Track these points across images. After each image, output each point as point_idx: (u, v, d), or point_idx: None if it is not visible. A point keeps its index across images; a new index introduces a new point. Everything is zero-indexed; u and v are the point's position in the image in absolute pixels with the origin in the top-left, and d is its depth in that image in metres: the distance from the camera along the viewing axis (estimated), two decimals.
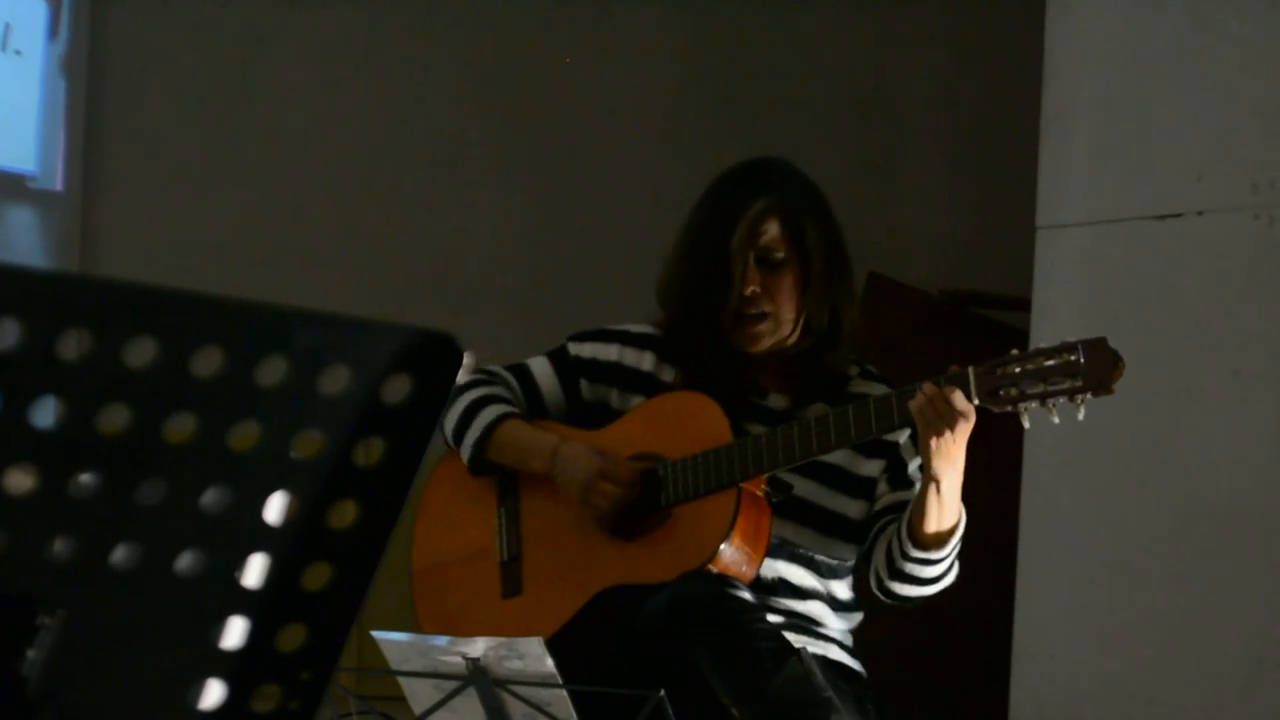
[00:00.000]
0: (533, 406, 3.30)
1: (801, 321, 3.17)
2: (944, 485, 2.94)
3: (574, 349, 3.31)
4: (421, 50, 5.75)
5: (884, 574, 3.09)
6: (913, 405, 2.91)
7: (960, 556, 3.08)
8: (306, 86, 5.62)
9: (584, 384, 3.28)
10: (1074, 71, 4.30)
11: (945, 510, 2.96)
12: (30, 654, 1.19)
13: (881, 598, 3.14)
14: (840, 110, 6.19)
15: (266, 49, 5.58)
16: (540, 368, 3.31)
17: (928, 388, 2.90)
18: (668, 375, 3.24)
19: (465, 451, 3.25)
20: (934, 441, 2.89)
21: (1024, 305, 4.41)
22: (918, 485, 3.03)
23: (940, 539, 3.00)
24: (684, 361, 3.23)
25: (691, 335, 3.20)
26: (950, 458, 2.91)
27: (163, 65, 5.47)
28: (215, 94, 5.52)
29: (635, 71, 5.99)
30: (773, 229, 3.17)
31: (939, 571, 3.06)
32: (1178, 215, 4.08)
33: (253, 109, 5.56)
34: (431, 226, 5.74)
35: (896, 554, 3.05)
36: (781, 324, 3.16)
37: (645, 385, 3.24)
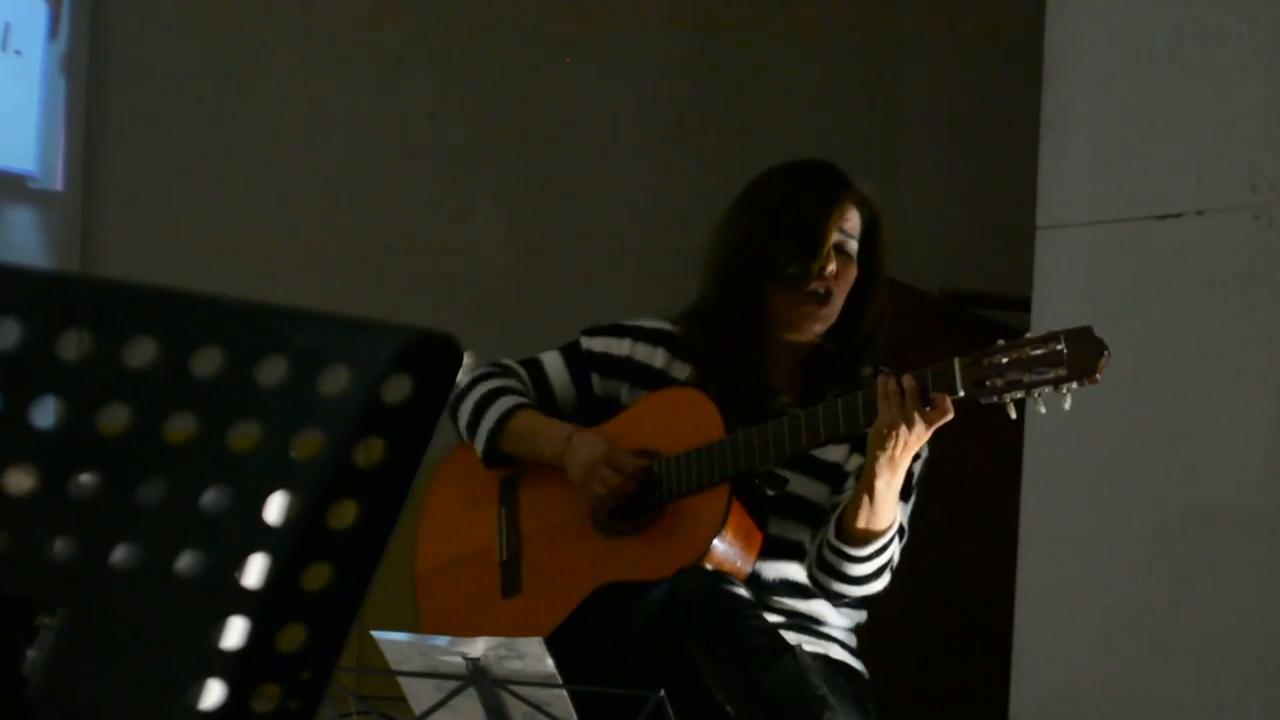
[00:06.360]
0: (544, 400, 3.28)
1: (839, 320, 3.14)
2: (878, 484, 2.90)
3: (586, 343, 3.30)
4: (422, 51, 5.75)
5: (812, 560, 3.06)
6: (879, 388, 2.88)
7: (891, 569, 3.02)
8: (307, 87, 5.62)
9: (595, 378, 3.27)
10: (1074, 71, 4.30)
11: (877, 508, 2.93)
12: (30, 654, 1.19)
13: (809, 584, 3.11)
14: (840, 109, 6.19)
15: (267, 50, 5.58)
16: (552, 361, 3.30)
17: (906, 380, 2.88)
18: (680, 372, 3.22)
19: (479, 443, 3.24)
20: (887, 433, 2.86)
21: (1024, 305, 4.41)
22: None
23: (867, 537, 2.97)
24: (699, 358, 3.21)
25: (729, 316, 3.15)
26: (895, 459, 2.88)
27: (163, 65, 5.46)
28: (215, 94, 5.52)
29: (635, 72, 5.99)
30: (855, 218, 3.15)
31: (862, 572, 3.02)
32: (1178, 215, 4.08)
33: (253, 109, 5.56)
34: (431, 227, 5.74)
35: (823, 543, 3.02)
36: (835, 314, 3.14)
37: (655, 381, 3.23)
